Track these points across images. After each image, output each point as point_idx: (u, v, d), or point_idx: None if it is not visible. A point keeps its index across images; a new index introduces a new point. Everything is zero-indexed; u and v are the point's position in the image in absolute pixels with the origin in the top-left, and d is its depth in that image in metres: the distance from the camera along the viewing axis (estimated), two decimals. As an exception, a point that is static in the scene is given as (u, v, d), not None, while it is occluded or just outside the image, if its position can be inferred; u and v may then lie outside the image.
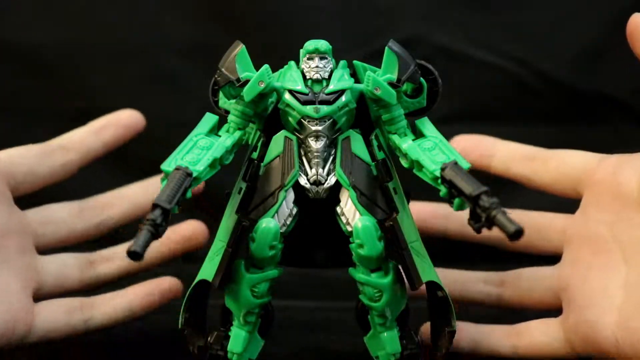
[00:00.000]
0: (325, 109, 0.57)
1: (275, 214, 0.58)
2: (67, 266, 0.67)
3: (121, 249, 0.70)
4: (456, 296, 0.67)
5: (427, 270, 0.58)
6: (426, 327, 0.63)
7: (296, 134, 0.58)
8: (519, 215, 0.64)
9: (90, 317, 0.66)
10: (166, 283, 0.69)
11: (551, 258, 0.68)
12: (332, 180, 0.57)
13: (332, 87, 0.57)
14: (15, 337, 0.62)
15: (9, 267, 0.62)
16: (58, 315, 0.64)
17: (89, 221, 0.70)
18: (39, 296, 0.65)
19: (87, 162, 0.71)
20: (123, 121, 0.73)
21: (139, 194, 0.72)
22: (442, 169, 0.54)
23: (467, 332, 0.66)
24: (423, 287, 0.58)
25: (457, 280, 0.69)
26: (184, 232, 0.71)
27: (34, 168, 0.67)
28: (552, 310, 0.66)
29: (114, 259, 0.70)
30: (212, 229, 0.60)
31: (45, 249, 0.67)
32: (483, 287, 0.69)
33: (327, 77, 0.58)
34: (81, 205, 0.70)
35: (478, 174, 0.64)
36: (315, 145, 0.57)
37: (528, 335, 0.65)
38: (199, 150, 0.56)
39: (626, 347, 0.59)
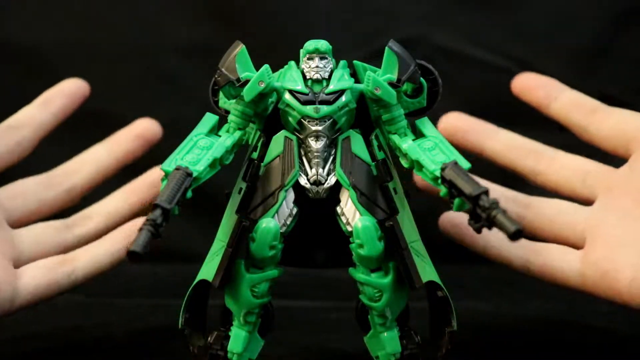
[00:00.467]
0: (325, 109, 0.57)
1: (275, 214, 0.57)
2: (44, 234, 0.67)
3: (96, 208, 0.71)
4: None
5: (427, 270, 0.58)
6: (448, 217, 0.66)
7: (296, 134, 0.58)
8: (561, 155, 0.68)
9: (73, 270, 0.66)
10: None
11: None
12: (332, 180, 0.57)
13: (332, 87, 0.57)
14: (2, 302, 0.62)
15: None
16: (40, 274, 0.64)
17: (57, 189, 0.71)
18: (20, 266, 0.65)
19: (41, 136, 0.72)
20: (67, 90, 0.75)
21: (102, 156, 0.74)
22: (442, 169, 0.54)
23: (484, 232, 0.66)
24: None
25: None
26: (136, 129, 0.74)
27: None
28: (567, 245, 0.66)
29: (90, 217, 0.70)
30: (212, 229, 0.60)
31: (19, 223, 0.67)
32: (507, 204, 0.68)
33: (327, 77, 0.58)
34: (48, 176, 0.71)
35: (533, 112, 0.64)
36: (316, 145, 0.57)
37: (545, 255, 0.66)
38: (199, 150, 0.56)
39: (639, 290, 0.60)
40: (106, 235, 0.69)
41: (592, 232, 0.65)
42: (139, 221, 0.69)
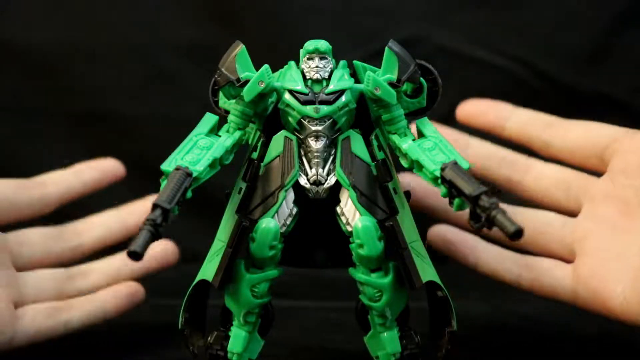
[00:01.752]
0: (325, 109, 0.57)
1: (275, 214, 0.57)
2: (46, 281, 0.69)
3: (99, 265, 0.72)
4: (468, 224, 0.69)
5: (427, 270, 0.58)
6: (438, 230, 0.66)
7: (296, 134, 0.58)
8: (539, 165, 0.67)
9: (69, 319, 0.67)
10: (131, 286, 0.71)
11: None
12: (332, 180, 0.57)
13: (332, 87, 0.57)
14: (1, 344, 0.63)
15: None
16: (39, 318, 0.66)
17: (64, 245, 0.72)
18: (19, 306, 0.66)
19: (66, 199, 0.73)
20: (102, 166, 0.76)
21: (114, 223, 0.75)
22: (442, 169, 0.54)
23: (476, 247, 0.67)
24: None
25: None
26: (154, 250, 0.73)
27: (12, 198, 0.69)
28: (555, 258, 0.66)
29: (91, 273, 0.72)
30: (212, 229, 0.60)
31: (23, 268, 0.68)
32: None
33: (327, 77, 0.58)
34: (59, 230, 0.73)
35: (491, 139, 0.64)
36: (315, 145, 0.57)
37: (536, 270, 0.65)
38: (199, 150, 0.56)
39: (631, 307, 0.60)
40: (105, 291, 0.70)
41: (580, 245, 0.64)
42: (133, 284, 0.71)
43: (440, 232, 0.70)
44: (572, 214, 0.66)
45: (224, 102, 0.61)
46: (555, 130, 0.68)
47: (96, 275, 0.71)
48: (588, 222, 0.65)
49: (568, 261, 0.65)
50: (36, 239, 0.70)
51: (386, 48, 0.57)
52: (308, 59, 0.58)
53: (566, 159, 0.68)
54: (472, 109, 0.73)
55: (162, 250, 0.74)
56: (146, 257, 0.71)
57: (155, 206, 0.51)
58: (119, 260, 0.73)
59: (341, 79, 0.58)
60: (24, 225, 0.71)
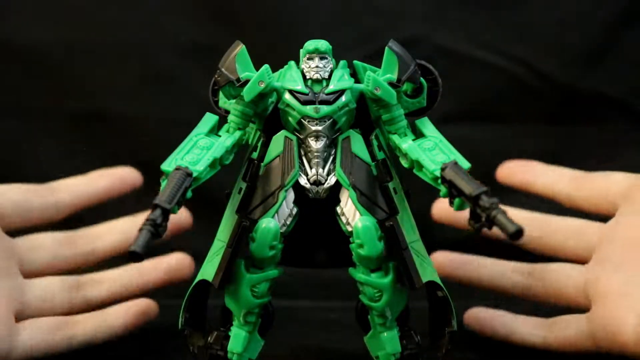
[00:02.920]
0: (325, 109, 0.57)
1: (276, 214, 0.58)
2: (54, 288, 0.68)
3: (110, 274, 0.71)
4: (484, 283, 0.72)
5: (427, 270, 0.58)
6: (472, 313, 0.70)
7: (296, 134, 0.58)
8: (555, 220, 0.70)
9: (73, 336, 0.66)
10: (143, 304, 0.70)
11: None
12: (332, 180, 0.57)
13: (332, 87, 0.57)
14: None
15: None
16: (39, 334, 0.65)
17: (76, 250, 0.71)
18: (23, 317, 0.65)
19: (80, 206, 0.73)
20: (119, 174, 0.76)
21: (129, 227, 0.73)
22: (442, 169, 0.54)
23: (504, 320, 0.70)
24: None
25: (486, 266, 0.72)
26: (170, 263, 0.73)
27: (22, 203, 0.69)
28: (577, 307, 0.67)
29: (103, 282, 0.71)
30: (212, 229, 0.60)
31: (31, 275, 0.68)
32: (511, 275, 0.71)
33: (327, 77, 0.58)
34: (71, 235, 0.72)
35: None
36: (316, 145, 0.57)
37: (558, 328, 0.68)
38: (199, 150, 0.56)
39: None
40: (111, 308, 0.69)
41: (593, 288, 0.65)
42: (145, 302, 0.70)
43: (476, 313, 0.73)
44: (584, 261, 0.68)
45: (224, 102, 0.61)
46: (577, 183, 0.71)
47: (107, 285, 0.71)
48: (597, 266, 0.66)
49: (586, 309, 0.66)
50: (47, 244, 0.70)
51: (386, 48, 0.57)
52: (308, 59, 0.58)
53: (581, 208, 0.71)
54: (508, 171, 0.77)
55: (177, 262, 0.73)
56: (161, 268, 0.72)
57: (155, 206, 0.51)
58: (133, 270, 0.72)
59: (341, 79, 0.58)
60: (35, 231, 0.70)
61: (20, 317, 0.65)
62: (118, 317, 0.69)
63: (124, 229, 0.73)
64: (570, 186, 0.72)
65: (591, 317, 0.65)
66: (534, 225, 0.72)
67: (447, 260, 0.74)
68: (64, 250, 0.70)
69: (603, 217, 0.69)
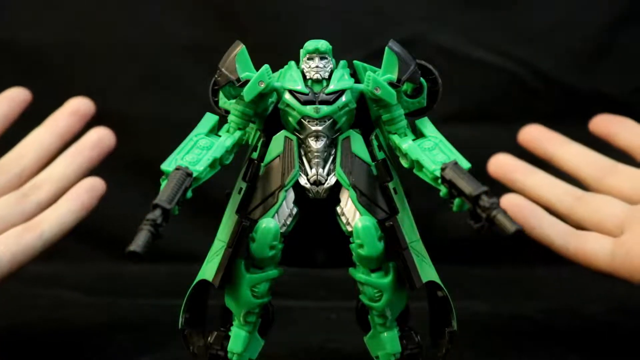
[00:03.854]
0: (325, 109, 0.57)
1: (276, 214, 0.57)
2: (5, 207, 0.69)
3: (46, 174, 0.73)
4: (534, 196, 0.73)
5: (427, 270, 0.58)
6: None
7: (296, 134, 0.58)
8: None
9: (42, 232, 0.67)
10: (88, 182, 0.72)
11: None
12: (332, 180, 0.57)
13: (332, 87, 0.57)
14: None
15: None
16: (12, 242, 0.65)
17: (8, 175, 0.73)
18: None
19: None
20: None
21: (45, 137, 0.76)
22: (442, 169, 0.54)
23: (536, 214, 0.71)
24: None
25: (542, 183, 0.74)
26: (91, 139, 0.76)
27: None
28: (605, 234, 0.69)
29: (43, 183, 0.72)
30: (212, 229, 0.60)
31: None
32: (561, 194, 0.73)
33: (327, 77, 0.58)
34: None
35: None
36: (316, 145, 0.57)
37: (583, 239, 0.69)
38: (199, 150, 0.56)
39: None
40: (65, 194, 0.71)
41: (630, 226, 0.67)
42: (89, 179, 0.72)
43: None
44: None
45: (224, 102, 0.61)
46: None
47: (49, 184, 0.72)
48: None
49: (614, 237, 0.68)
50: None
51: (386, 48, 0.57)
52: (308, 59, 0.58)
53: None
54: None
55: (98, 135, 0.76)
56: (86, 146, 0.75)
57: (155, 206, 0.51)
58: (62, 162, 0.74)
59: (341, 79, 0.57)
60: None
61: None
62: (71, 200, 0.70)
63: (42, 141, 0.76)
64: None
65: (618, 242, 0.66)
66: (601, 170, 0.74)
67: (504, 164, 0.76)
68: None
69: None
